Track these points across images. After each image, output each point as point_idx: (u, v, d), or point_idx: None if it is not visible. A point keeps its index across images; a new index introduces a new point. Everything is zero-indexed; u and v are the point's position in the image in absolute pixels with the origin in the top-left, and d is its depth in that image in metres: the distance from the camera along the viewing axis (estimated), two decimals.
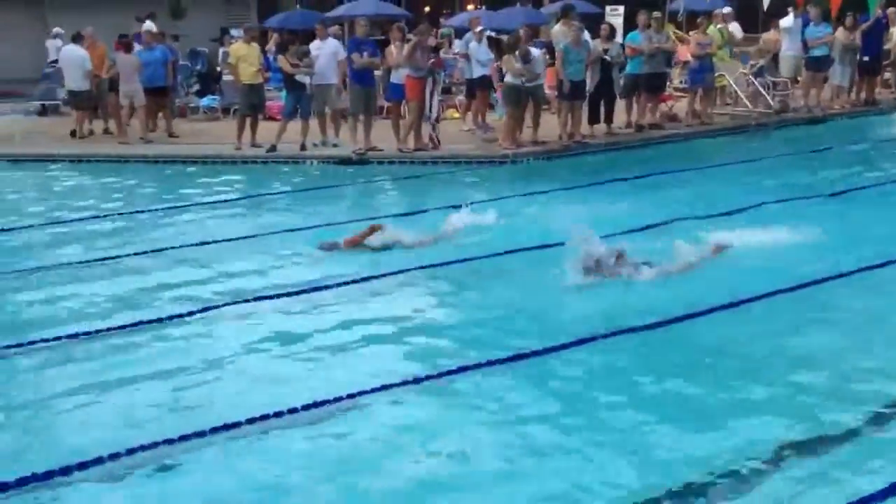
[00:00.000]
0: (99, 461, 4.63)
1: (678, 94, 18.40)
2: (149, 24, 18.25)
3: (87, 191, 12.69)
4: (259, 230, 9.79)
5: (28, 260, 8.70)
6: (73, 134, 16.02)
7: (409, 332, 6.62)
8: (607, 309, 6.83)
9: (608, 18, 19.05)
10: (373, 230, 8.71)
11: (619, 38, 16.13)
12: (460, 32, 19.68)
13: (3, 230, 10.11)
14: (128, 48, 15.72)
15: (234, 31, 22.12)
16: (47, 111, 19.12)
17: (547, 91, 15.66)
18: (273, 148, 14.28)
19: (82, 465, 4.60)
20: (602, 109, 15.31)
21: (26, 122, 16.98)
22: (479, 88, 15.62)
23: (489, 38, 15.89)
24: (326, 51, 14.33)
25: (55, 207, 11.54)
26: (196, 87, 19.93)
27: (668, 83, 17.39)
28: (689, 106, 16.86)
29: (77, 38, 16.17)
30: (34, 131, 16.61)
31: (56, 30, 20.50)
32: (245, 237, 9.44)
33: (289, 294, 7.38)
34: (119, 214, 10.92)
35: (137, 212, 11.06)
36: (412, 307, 7.14)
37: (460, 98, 17.08)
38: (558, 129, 14.72)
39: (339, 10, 21.53)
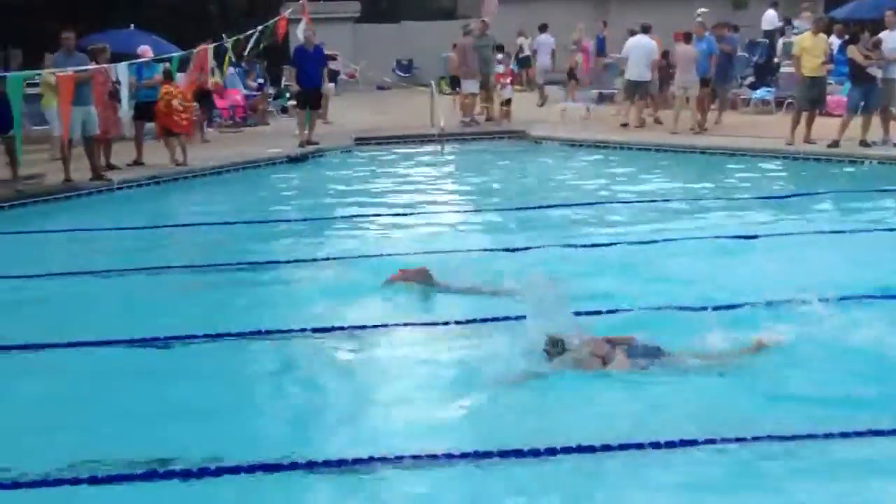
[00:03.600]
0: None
1: None
2: (702, 13, 18.19)
3: (627, 176, 13.19)
4: (782, 230, 9.26)
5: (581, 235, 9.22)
6: (625, 125, 16.70)
7: None
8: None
9: None
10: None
11: None
12: None
13: (548, 206, 10.89)
14: (687, 39, 15.90)
15: (795, 22, 21.23)
16: (604, 99, 20.24)
17: None
18: (836, 143, 13.48)
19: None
20: None
21: (585, 109, 18.23)
22: None
23: None
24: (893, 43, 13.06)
25: (599, 188, 12.30)
26: (750, 79, 19.54)
27: None
28: None
29: (646, 29, 16.78)
30: (591, 118, 17.69)
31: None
32: (762, 235, 8.84)
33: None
34: (650, 201, 11.11)
35: (665, 200, 11.20)
36: None
37: None
38: None
39: None
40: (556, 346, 5.36)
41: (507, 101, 18.01)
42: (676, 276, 7.56)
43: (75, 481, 4.37)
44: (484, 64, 17.60)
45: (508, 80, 18.10)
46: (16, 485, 4.35)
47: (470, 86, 17.69)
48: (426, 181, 13.54)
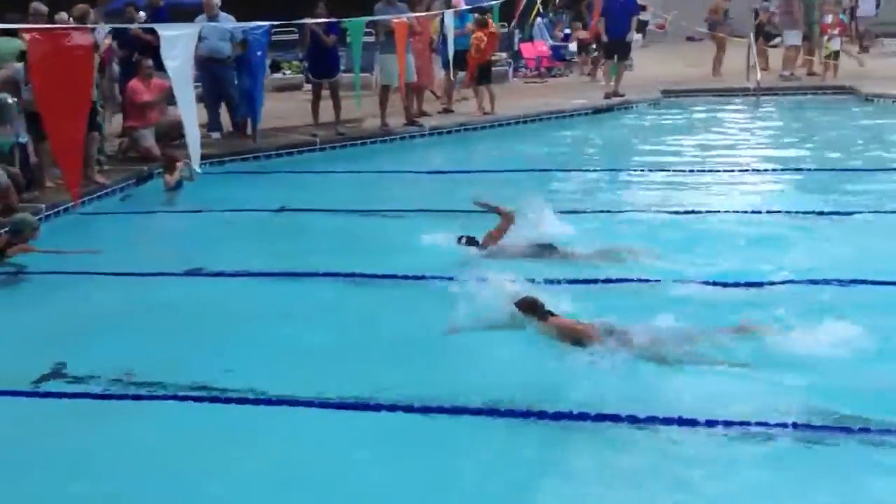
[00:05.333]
0: None
1: None
2: None
3: None
4: None
5: None
6: None
7: None
8: None
9: None
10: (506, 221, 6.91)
11: None
12: None
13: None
14: None
15: None
16: None
17: None
18: None
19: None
20: None
21: None
22: None
23: None
24: None
25: None
26: None
27: None
28: None
29: None
30: None
31: None
32: None
33: None
34: None
35: None
36: None
37: None
38: None
39: None
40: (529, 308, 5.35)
41: (835, 55, 16.53)
42: None
43: (377, 407, 4.55)
44: (808, 13, 16.27)
45: (836, 31, 16.59)
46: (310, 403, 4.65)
47: (792, 37, 16.43)
48: (735, 138, 12.81)
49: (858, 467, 3.98)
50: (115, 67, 11.59)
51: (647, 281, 6.23)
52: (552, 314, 5.32)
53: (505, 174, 10.43)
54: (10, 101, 8.34)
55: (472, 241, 6.87)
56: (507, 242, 6.95)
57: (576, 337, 5.16)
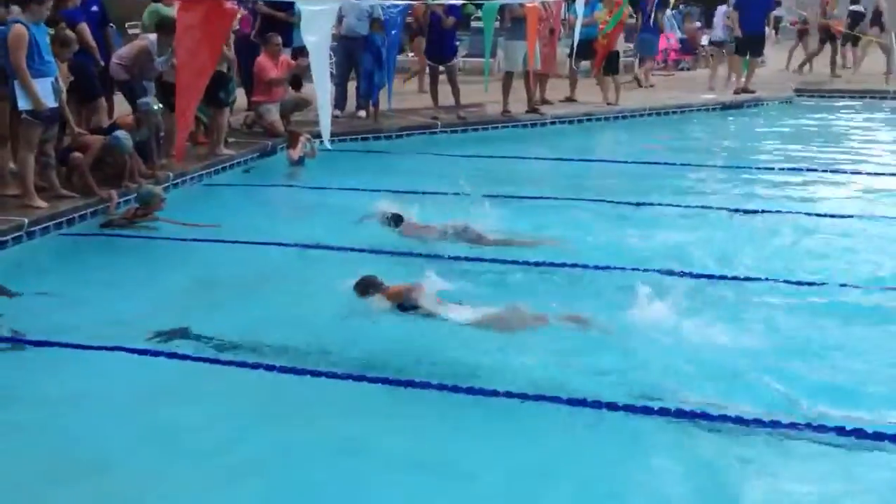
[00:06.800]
0: None
1: None
2: None
3: None
4: None
5: None
6: None
7: None
8: None
9: None
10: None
11: None
12: None
13: None
14: None
15: None
16: None
17: None
18: None
19: None
20: None
21: None
22: None
23: None
24: None
25: None
26: None
27: None
28: None
29: None
30: None
31: None
32: None
33: None
34: None
35: None
36: None
37: None
38: None
39: None
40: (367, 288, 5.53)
41: None
42: None
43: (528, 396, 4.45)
44: None
45: None
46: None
47: None
48: (868, 141, 12.19)
49: None
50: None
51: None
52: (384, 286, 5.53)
53: (621, 165, 10.25)
54: (155, 107, 8.55)
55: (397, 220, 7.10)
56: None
57: (408, 297, 5.37)
